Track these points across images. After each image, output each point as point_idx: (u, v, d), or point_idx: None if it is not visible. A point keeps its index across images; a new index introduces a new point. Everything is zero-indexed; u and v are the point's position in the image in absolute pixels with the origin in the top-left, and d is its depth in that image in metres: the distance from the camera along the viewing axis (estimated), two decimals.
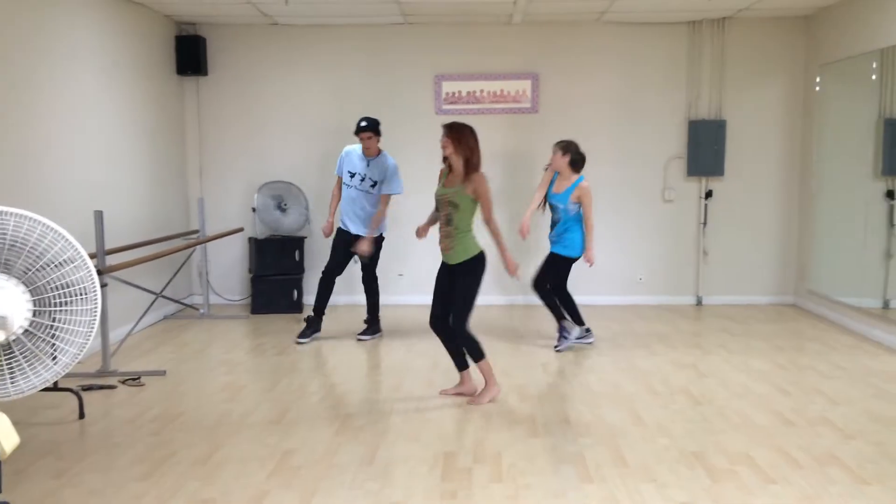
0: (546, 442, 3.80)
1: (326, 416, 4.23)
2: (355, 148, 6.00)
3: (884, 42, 5.90)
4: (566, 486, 3.28)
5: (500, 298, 7.48)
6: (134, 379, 4.98)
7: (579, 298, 5.69)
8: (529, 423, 4.08)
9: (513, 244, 7.44)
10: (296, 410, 4.34)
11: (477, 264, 4.36)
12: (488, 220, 4.34)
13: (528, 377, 4.98)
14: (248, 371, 5.21)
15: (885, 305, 6.06)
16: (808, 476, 3.33)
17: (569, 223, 5.56)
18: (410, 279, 7.50)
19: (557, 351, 5.65)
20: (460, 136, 4.26)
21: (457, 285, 4.36)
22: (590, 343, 5.81)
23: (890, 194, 6.01)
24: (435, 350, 5.66)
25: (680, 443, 3.75)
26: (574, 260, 5.64)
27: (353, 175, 5.96)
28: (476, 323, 6.40)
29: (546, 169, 5.67)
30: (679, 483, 3.29)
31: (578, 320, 5.74)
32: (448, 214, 4.34)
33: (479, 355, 4.43)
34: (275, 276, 7.16)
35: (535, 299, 5.88)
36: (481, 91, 7.35)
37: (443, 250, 4.43)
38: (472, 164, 4.27)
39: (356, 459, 3.60)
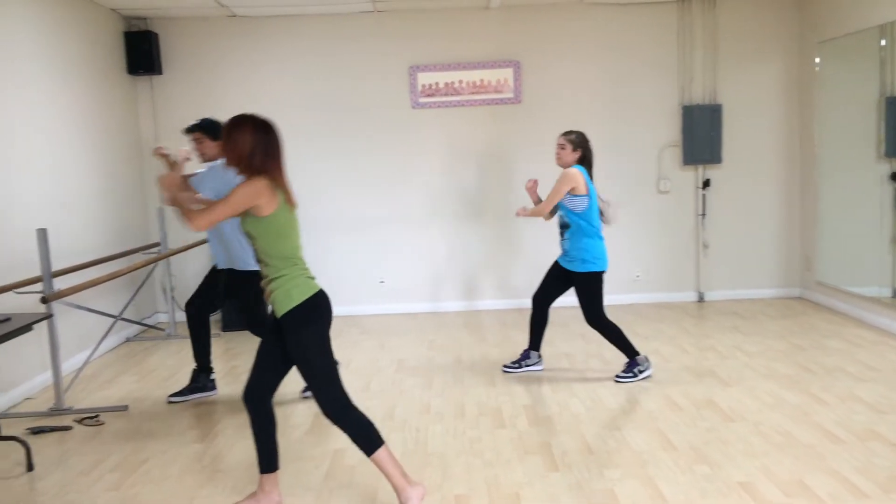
0: (568, 478, 3.31)
1: (313, 456, 3.71)
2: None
3: (884, 17, 5.51)
4: None
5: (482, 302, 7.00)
6: (91, 417, 4.41)
7: (569, 298, 5.08)
8: (545, 454, 3.59)
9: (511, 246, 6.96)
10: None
11: (308, 313, 2.86)
12: None
13: (533, 395, 4.49)
14: (220, 401, 4.65)
15: (895, 294, 5.70)
16: None
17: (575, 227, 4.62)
18: (391, 286, 6.98)
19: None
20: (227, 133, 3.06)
21: (290, 349, 2.89)
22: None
23: (894, 176, 5.65)
24: (428, 364, 5.17)
25: (722, 471, 3.29)
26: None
27: None
28: (453, 328, 5.94)
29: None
30: None
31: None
32: (255, 251, 2.92)
33: (369, 443, 2.93)
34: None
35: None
36: (460, 81, 6.83)
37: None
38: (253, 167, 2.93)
39: None
